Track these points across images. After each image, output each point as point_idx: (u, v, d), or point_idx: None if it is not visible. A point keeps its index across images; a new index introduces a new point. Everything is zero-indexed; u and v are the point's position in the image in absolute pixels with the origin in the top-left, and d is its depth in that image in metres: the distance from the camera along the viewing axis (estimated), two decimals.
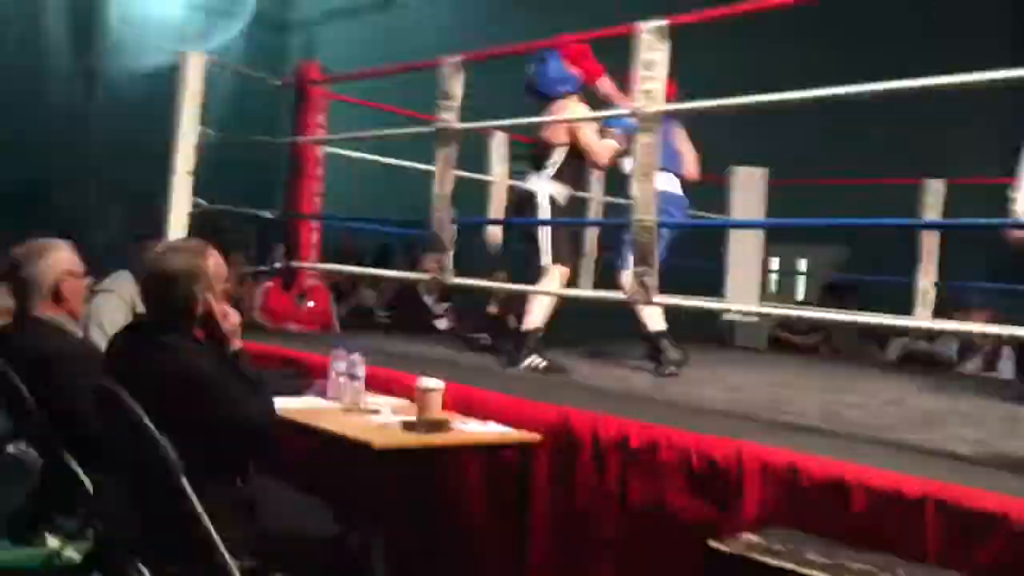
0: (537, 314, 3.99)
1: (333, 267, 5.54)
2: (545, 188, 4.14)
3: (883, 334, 6.83)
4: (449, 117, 3.76)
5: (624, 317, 4.20)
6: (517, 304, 4.52)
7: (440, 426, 2.64)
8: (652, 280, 3.08)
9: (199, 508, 2.13)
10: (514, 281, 4.81)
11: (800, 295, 8.76)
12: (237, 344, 2.42)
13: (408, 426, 2.61)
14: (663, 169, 4.18)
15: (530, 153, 4.30)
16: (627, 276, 3.92)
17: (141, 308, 2.63)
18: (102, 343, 2.93)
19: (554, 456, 2.73)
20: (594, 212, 5.61)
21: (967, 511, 1.93)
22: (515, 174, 4.92)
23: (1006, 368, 6.10)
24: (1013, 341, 5.65)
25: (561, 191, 4.20)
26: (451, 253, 3.78)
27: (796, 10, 3.22)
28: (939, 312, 5.37)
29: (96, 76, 11.34)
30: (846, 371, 5.20)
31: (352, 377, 2.90)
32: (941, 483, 2.04)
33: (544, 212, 4.12)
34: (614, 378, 3.86)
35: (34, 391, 2.60)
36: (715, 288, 5.52)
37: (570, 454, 2.69)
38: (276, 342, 4.23)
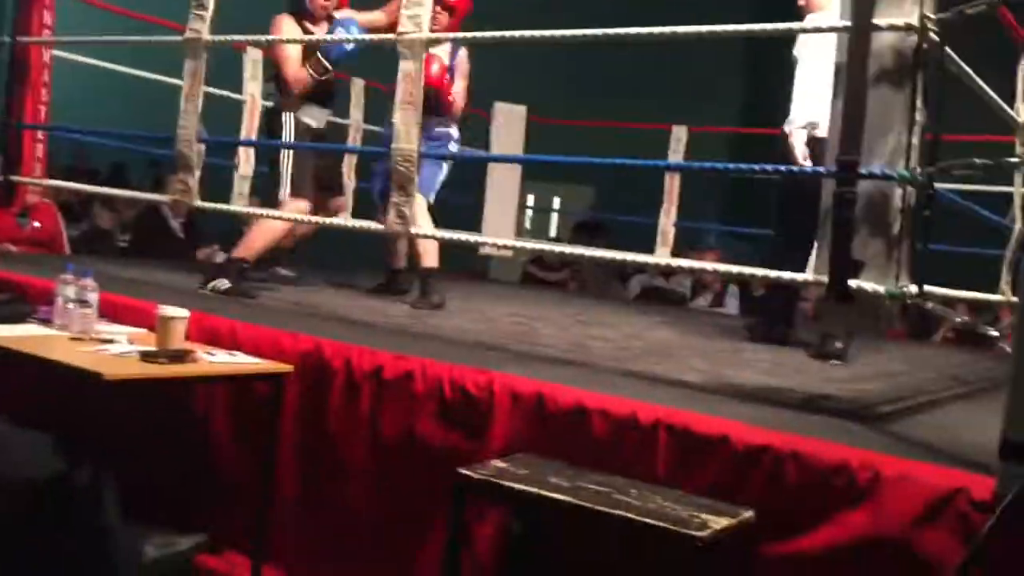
0: (250, 245, 3.87)
1: (58, 183, 5.03)
2: (295, 115, 4.01)
3: (625, 272, 7.25)
4: (200, 27, 3.50)
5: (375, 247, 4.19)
6: None
7: (183, 356, 2.49)
8: (410, 210, 3.06)
9: None
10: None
11: (553, 232, 9.10)
12: None
13: (148, 356, 2.44)
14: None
15: (274, 72, 4.14)
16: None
17: None
18: None
19: (305, 387, 2.66)
20: (352, 139, 5.49)
21: (694, 434, 2.08)
22: (271, 95, 4.70)
23: (731, 304, 6.69)
24: (739, 279, 6.17)
25: (319, 114, 4.05)
26: (198, 173, 3.55)
27: None
28: (675, 252, 5.76)
29: None
30: (592, 305, 5.47)
31: (82, 303, 2.67)
32: (672, 409, 2.18)
33: (287, 137, 3.98)
34: (368, 309, 3.82)
35: None
36: (472, 223, 5.61)
37: (322, 385, 2.64)
38: None
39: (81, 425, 2.49)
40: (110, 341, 2.61)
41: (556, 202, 9.25)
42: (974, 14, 2.43)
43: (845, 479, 1.88)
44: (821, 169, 2.42)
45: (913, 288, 2.29)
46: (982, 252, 3.94)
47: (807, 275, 2.44)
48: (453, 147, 4.35)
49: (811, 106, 3.50)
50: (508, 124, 6.00)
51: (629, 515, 1.84)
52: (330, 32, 3.97)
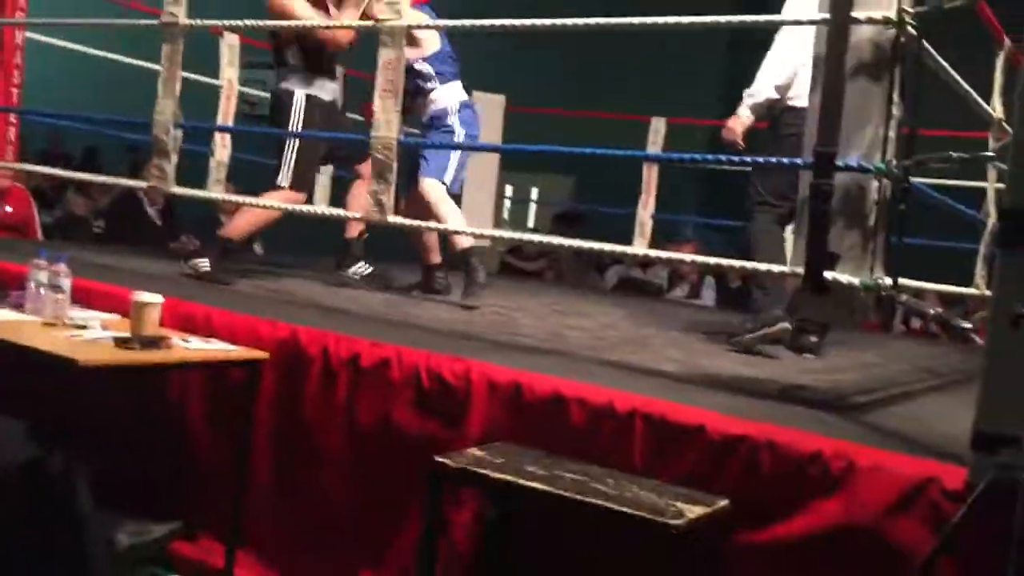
0: (239, 226, 3.79)
1: (31, 167, 4.98)
2: (302, 89, 3.85)
3: (603, 262, 7.27)
4: (177, 11, 3.46)
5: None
6: None
7: (158, 343, 2.47)
8: (388, 199, 3.04)
9: None
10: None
11: (531, 222, 9.10)
12: None
13: (122, 342, 2.42)
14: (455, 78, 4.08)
15: (274, 45, 3.95)
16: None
17: None
18: None
19: (281, 374, 2.65)
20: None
21: (670, 424, 2.09)
22: (250, 82, 4.65)
23: (708, 296, 6.72)
24: (715, 271, 6.20)
25: (326, 87, 3.91)
26: (174, 159, 3.51)
27: None
28: (653, 244, 5.78)
29: None
30: (569, 296, 5.48)
31: (55, 288, 2.63)
32: (648, 398, 2.19)
33: (297, 115, 3.82)
34: (347, 298, 3.81)
35: None
36: None
37: (299, 372, 2.62)
38: None
39: (54, 412, 2.47)
40: (83, 327, 2.58)
41: (534, 192, 9.25)
42: (952, 8, 2.45)
43: (819, 468, 1.90)
44: (798, 161, 2.43)
45: (888, 280, 2.31)
46: (956, 246, 3.98)
47: (783, 267, 2.46)
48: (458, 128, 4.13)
49: (778, 78, 3.41)
50: (486, 113, 5.99)
51: (606, 504, 1.84)
52: None
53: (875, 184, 2.28)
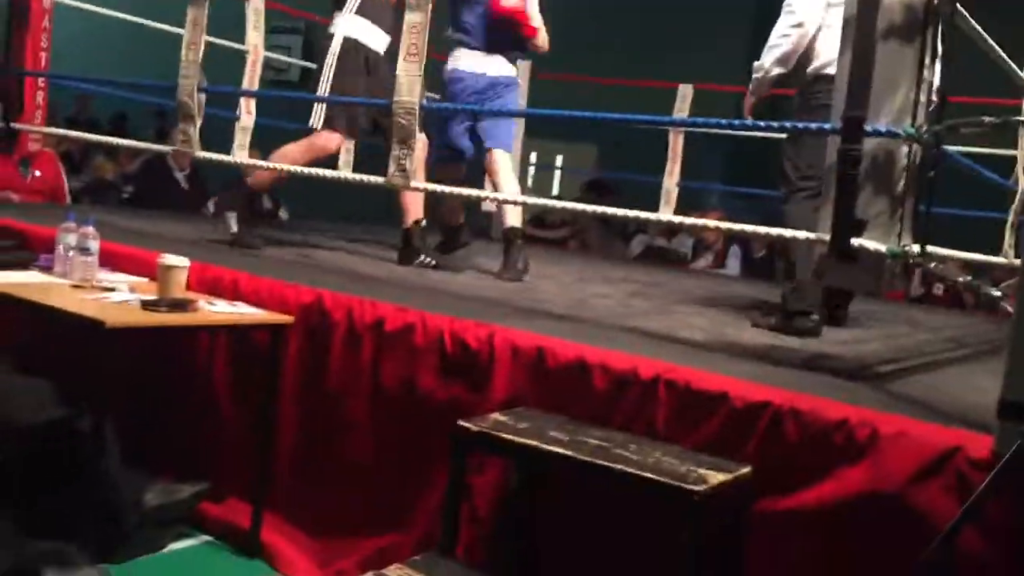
0: (266, 172, 3.72)
1: (60, 131, 5.01)
2: (345, 29, 3.72)
3: (627, 231, 7.23)
4: None
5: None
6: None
7: (184, 305, 2.49)
8: (411, 164, 3.03)
9: None
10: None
11: (555, 190, 9.06)
12: None
13: (149, 304, 2.44)
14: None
15: None
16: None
17: None
18: None
19: (306, 339, 2.67)
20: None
21: (694, 390, 2.09)
22: (275, 48, 4.62)
23: (733, 266, 6.68)
24: (741, 236, 6.14)
25: (374, 35, 3.77)
26: (199, 123, 3.52)
27: None
28: (678, 212, 5.73)
29: None
30: (594, 264, 5.47)
31: (83, 251, 2.66)
32: (672, 365, 2.18)
33: (332, 52, 3.68)
34: (372, 263, 3.82)
35: None
36: (474, 180, 5.56)
37: (323, 336, 2.64)
38: None
39: (82, 373, 2.50)
40: (111, 289, 2.61)
41: (559, 159, 9.20)
42: None
43: (843, 436, 1.89)
44: (826, 126, 2.39)
45: (915, 248, 2.28)
46: (984, 215, 3.92)
47: (809, 233, 2.43)
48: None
49: (779, 50, 3.28)
50: None
51: (628, 469, 1.85)
52: None
53: (904, 149, 2.25)
